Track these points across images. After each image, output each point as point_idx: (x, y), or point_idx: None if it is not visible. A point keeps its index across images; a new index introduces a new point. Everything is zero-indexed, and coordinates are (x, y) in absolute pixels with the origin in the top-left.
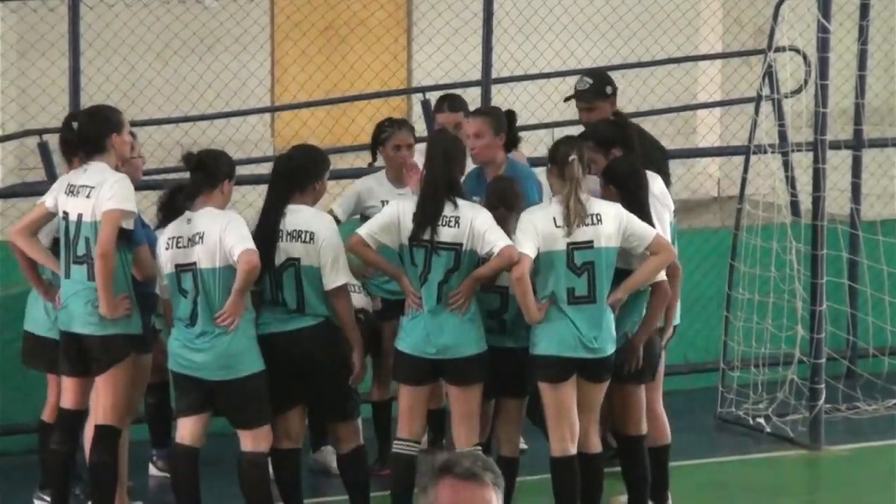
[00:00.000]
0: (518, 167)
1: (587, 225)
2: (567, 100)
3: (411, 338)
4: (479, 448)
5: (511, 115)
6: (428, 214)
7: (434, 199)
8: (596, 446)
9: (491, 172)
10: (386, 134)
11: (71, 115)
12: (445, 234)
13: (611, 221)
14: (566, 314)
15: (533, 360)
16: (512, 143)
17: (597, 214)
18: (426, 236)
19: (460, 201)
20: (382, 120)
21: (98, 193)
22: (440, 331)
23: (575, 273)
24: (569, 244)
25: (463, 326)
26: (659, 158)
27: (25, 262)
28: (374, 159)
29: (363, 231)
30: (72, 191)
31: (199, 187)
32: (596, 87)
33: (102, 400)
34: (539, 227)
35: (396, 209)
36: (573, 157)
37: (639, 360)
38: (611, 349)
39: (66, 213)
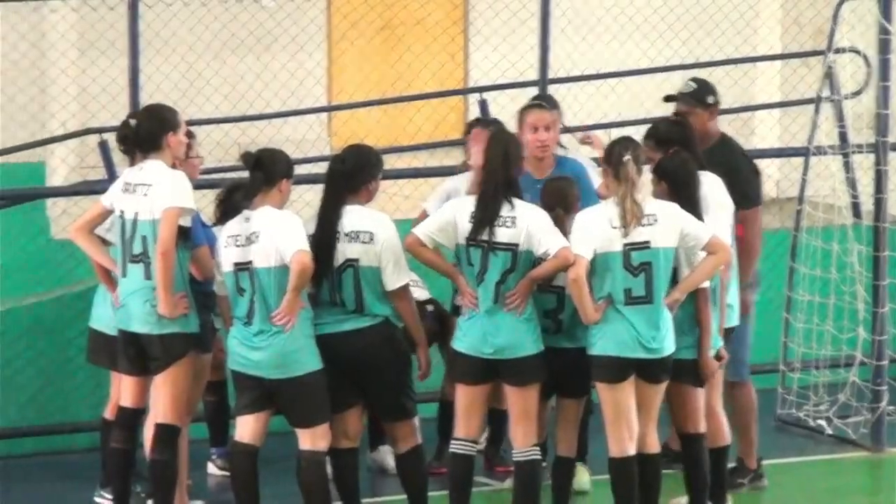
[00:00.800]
0: (567, 163)
1: (644, 225)
2: (667, 100)
3: (468, 338)
4: (538, 449)
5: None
6: (487, 215)
7: (494, 199)
8: (654, 447)
9: (542, 172)
10: (471, 131)
11: (130, 115)
12: (502, 234)
13: (667, 221)
14: (623, 315)
15: (591, 361)
16: None
17: (653, 215)
18: (484, 236)
19: (517, 201)
20: (472, 119)
21: (155, 191)
22: (497, 331)
23: (632, 273)
24: (625, 245)
25: (520, 327)
26: (745, 174)
27: (96, 258)
28: (469, 158)
29: (420, 231)
30: (128, 189)
31: (258, 186)
32: (697, 92)
33: (162, 398)
34: (595, 229)
35: (453, 209)
36: (627, 157)
37: (713, 371)
38: (669, 349)
39: (122, 212)
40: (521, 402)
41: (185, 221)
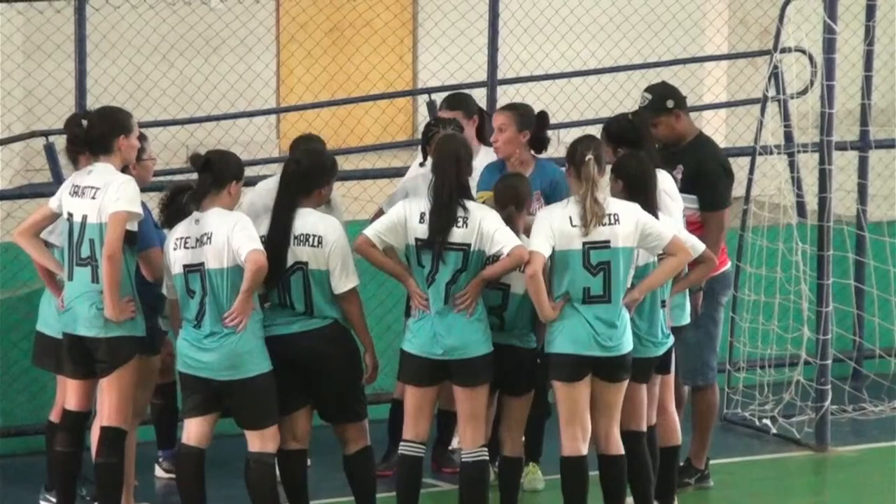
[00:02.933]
0: (547, 168)
1: (604, 225)
2: (633, 115)
3: (418, 339)
4: (486, 450)
5: (543, 116)
6: (442, 221)
7: (449, 205)
8: (618, 448)
9: (513, 169)
10: (433, 132)
11: (75, 115)
12: (454, 234)
13: (629, 221)
14: (581, 313)
15: (547, 359)
16: (540, 143)
17: (614, 214)
18: (440, 239)
19: (469, 203)
20: (429, 121)
21: (104, 195)
22: (448, 332)
23: (590, 272)
24: (585, 244)
25: (471, 327)
26: (717, 173)
27: (39, 262)
28: (425, 159)
29: (370, 232)
30: (76, 192)
31: (207, 188)
32: (654, 102)
33: (108, 401)
34: (555, 226)
35: (403, 210)
36: (589, 157)
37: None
38: (627, 347)
39: (70, 215)
40: (469, 403)
41: (132, 226)
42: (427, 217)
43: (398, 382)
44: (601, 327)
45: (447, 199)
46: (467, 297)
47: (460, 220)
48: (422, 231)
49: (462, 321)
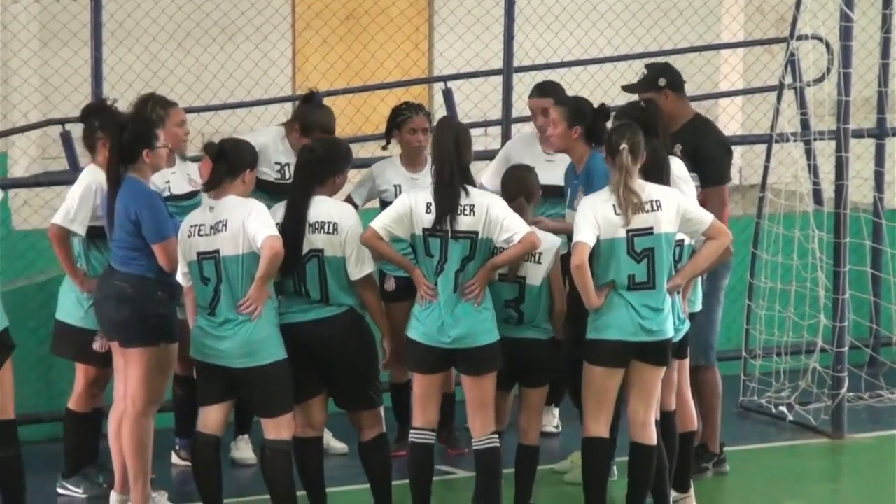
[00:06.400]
0: (596, 160)
1: (647, 212)
2: (624, 89)
3: (425, 326)
4: (497, 437)
5: (600, 109)
6: (447, 204)
7: (451, 188)
8: (653, 438)
9: (576, 165)
10: (403, 117)
11: (91, 104)
12: (462, 222)
13: (670, 207)
14: (626, 300)
15: (590, 345)
16: (596, 137)
17: (656, 201)
18: (445, 225)
19: (471, 189)
20: (399, 104)
21: None
22: (455, 321)
23: (635, 259)
24: (629, 231)
25: (478, 316)
26: (717, 151)
27: (62, 252)
28: (388, 142)
29: (377, 224)
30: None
31: (221, 177)
32: (646, 78)
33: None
34: (599, 216)
35: (409, 200)
36: (623, 145)
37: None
38: (670, 333)
39: None
40: (478, 391)
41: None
42: (433, 206)
43: (393, 369)
44: (647, 312)
45: (448, 180)
46: (476, 286)
47: (466, 207)
48: (428, 220)
49: (470, 310)
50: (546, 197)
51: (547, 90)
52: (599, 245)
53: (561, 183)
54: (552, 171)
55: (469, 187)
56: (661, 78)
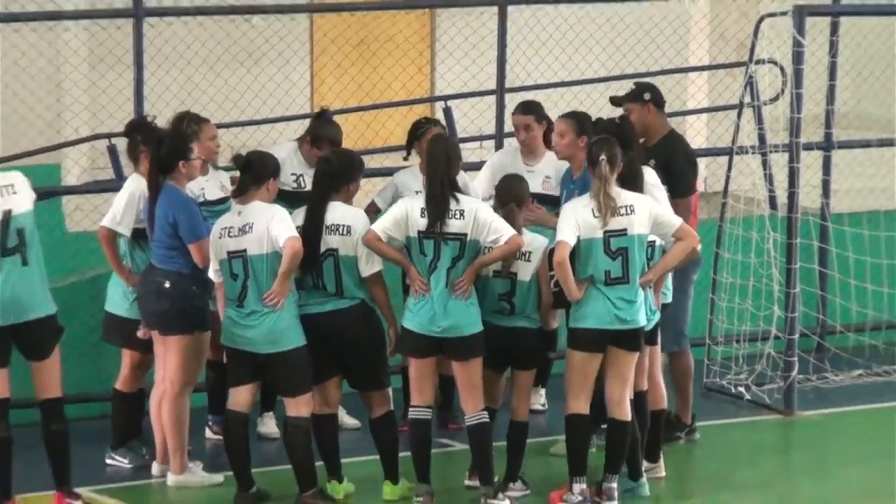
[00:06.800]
0: None
1: (621, 215)
2: (612, 101)
3: (418, 317)
4: (486, 413)
5: (599, 122)
6: (438, 210)
7: (441, 195)
8: (628, 414)
9: (575, 171)
10: (423, 129)
11: (133, 120)
12: (452, 225)
13: (643, 212)
14: (603, 293)
15: (573, 332)
16: None
17: (630, 205)
18: (438, 229)
19: (460, 196)
20: (419, 119)
21: None
22: (446, 313)
23: (610, 257)
24: (605, 232)
25: (466, 310)
26: (684, 165)
27: (110, 251)
28: (409, 154)
29: (377, 227)
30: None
31: (248, 185)
32: (634, 91)
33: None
34: (580, 218)
35: (405, 207)
36: (602, 157)
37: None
38: (642, 322)
39: None
40: (466, 375)
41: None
42: (426, 212)
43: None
44: (622, 304)
45: (440, 190)
46: (464, 282)
47: (456, 212)
48: (423, 224)
49: (458, 304)
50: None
51: (529, 108)
52: (580, 244)
53: (540, 190)
54: (532, 180)
55: (458, 195)
56: (646, 93)
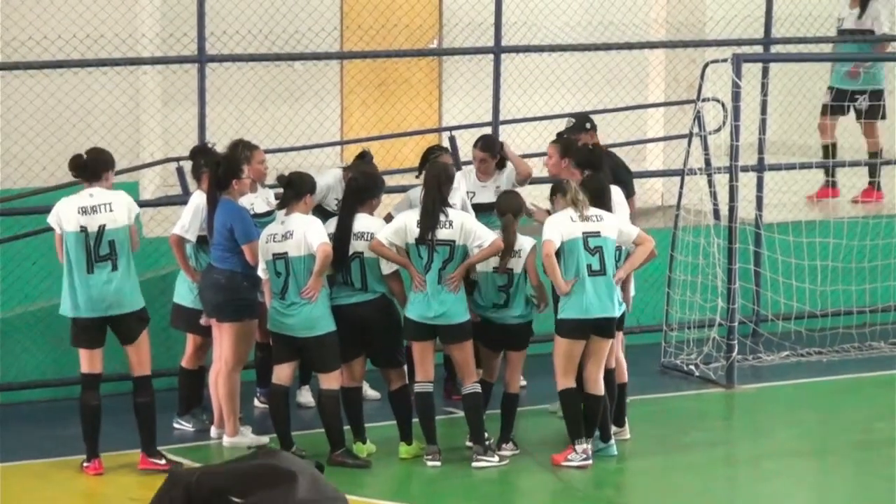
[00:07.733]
0: None
1: (593, 221)
2: (559, 136)
3: (416, 308)
4: (478, 385)
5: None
6: (429, 222)
7: (434, 211)
8: (601, 389)
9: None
10: (435, 154)
11: (196, 147)
12: (443, 234)
13: (609, 221)
14: (586, 286)
15: (561, 323)
16: (582, 166)
17: (598, 215)
18: (430, 237)
19: (449, 210)
20: (432, 145)
21: None
22: (440, 304)
23: (590, 253)
24: (583, 232)
25: (454, 301)
26: (625, 174)
27: (179, 253)
28: (420, 174)
29: (381, 236)
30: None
31: (290, 199)
32: (577, 124)
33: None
34: (561, 223)
35: (404, 219)
36: (568, 181)
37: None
38: (617, 312)
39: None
40: (459, 354)
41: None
42: (421, 223)
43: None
44: (602, 295)
45: (432, 208)
46: (454, 279)
47: (446, 223)
48: (418, 233)
49: (450, 297)
50: (479, 212)
51: (486, 146)
52: (564, 246)
53: (492, 199)
54: (484, 193)
55: (447, 209)
56: (587, 122)
